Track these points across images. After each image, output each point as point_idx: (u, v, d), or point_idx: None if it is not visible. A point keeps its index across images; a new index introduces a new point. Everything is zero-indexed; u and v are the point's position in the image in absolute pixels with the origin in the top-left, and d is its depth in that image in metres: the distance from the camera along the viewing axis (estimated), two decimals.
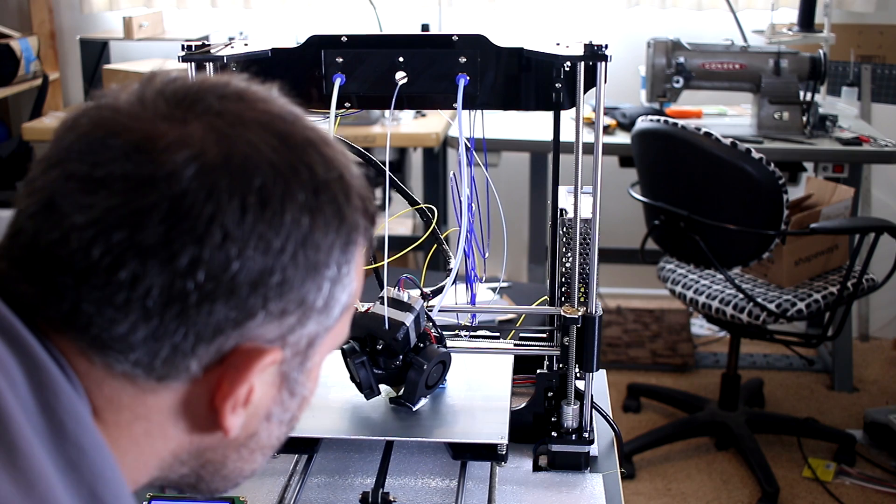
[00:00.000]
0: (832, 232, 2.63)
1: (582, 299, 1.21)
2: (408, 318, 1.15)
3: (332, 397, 1.23)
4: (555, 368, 1.25)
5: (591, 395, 1.22)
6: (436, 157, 3.42)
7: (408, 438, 1.17)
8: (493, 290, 1.74)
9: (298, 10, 3.73)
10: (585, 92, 1.14)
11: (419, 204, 1.30)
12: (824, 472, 2.78)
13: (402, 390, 1.19)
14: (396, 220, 3.39)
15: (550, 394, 1.24)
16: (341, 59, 1.19)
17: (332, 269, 0.62)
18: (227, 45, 1.19)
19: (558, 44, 1.17)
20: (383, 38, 1.24)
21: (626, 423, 3.05)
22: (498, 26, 3.67)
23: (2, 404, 0.55)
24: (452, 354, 1.31)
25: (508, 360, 1.32)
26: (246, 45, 1.20)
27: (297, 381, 0.66)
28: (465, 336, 1.33)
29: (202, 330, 0.58)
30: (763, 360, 3.46)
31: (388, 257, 1.23)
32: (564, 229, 1.22)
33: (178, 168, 0.57)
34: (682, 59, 3.01)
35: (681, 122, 2.55)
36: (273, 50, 1.20)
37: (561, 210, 1.23)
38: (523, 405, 1.25)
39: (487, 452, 1.14)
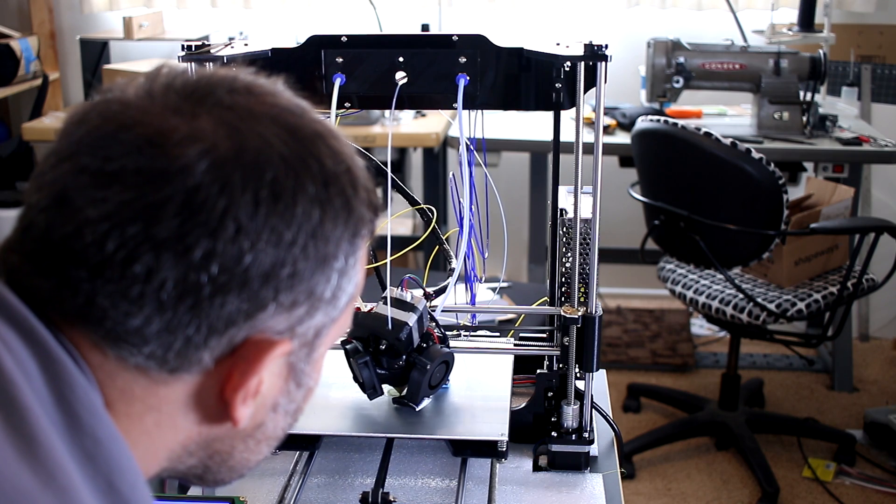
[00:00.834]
0: (832, 232, 2.63)
1: (582, 299, 1.21)
2: (411, 319, 1.15)
3: (334, 396, 1.23)
4: (555, 368, 1.25)
5: (591, 395, 1.22)
6: (436, 157, 3.42)
7: (408, 436, 1.17)
8: (493, 290, 1.74)
9: (298, 10, 3.73)
10: (585, 92, 1.14)
11: (419, 204, 1.30)
12: (824, 472, 2.78)
13: (405, 390, 1.19)
14: (396, 220, 3.39)
15: (550, 394, 1.24)
16: (341, 59, 1.19)
17: (341, 261, 0.62)
18: (227, 45, 1.19)
19: (558, 44, 1.17)
20: (383, 38, 1.24)
21: (626, 423, 3.05)
22: (498, 26, 3.67)
23: (19, 397, 0.55)
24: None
25: (508, 360, 1.32)
26: (246, 45, 1.20)
27: (303, 372, 0.67)
28: (465, 336, 1.33)
29: (215, 322, 0.59)
30: (763, 360, 3.46)
31: (393, 256, 1.23)
32: (564, 229, 1.22)
33: (190, 162, 0.57)
34: (682, 59, 3.01)
35: (681, 122, 2.55)
36: (273, 50, 1.20)
37: (561, 210, 1.23)
38: (523, 405, 1.25)
39: (488, 449, 1.14)
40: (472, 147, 1.23)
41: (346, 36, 1.19)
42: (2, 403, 0.55)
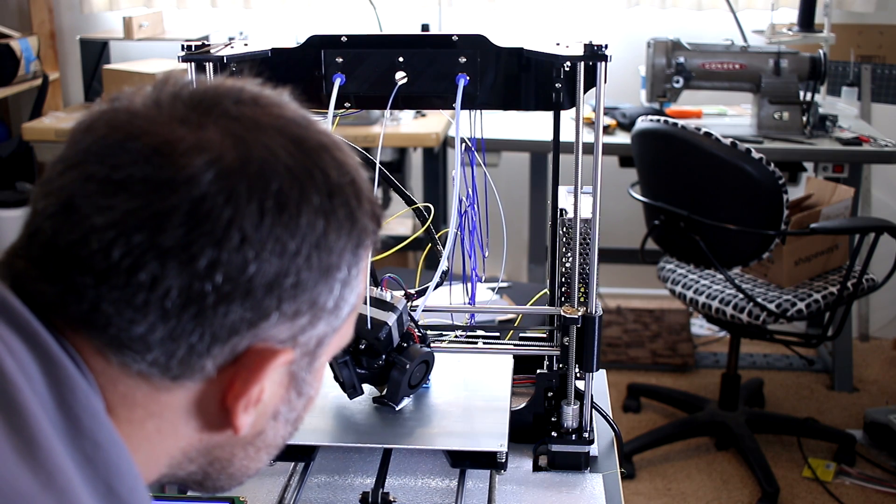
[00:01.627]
0: (832, 232, 2.63)
1: (582, 299, 1.21)
2: (390, 318, 1.15)
3: (332, 399, 1.23)
4: (555, 368, 1.25)
5: (591, 395, 1.22)
6: (436, 157, 3.42)
7: (405, 446, 1.16)
8: (493, 290, 1.74)
9: (298, 10, 3.72)
10: (585, 92, 1.14)
11: (415, 203, 1.30)
12: (824, 472, 2.78)
13: (385, 390, 1.18)
14: (396, 220, 3.39)
15: (550, 394, 1.24)
16: (341, 59, 1.19)
17: (343, 271, 0.63)
18: (227, 45, 1.19)
19: (558, 44, 1.17)
20: (383, 38, 1.24)
21: (626, 423, 3.05)
22: (498, 26, 3.67)
23: (20, 400, 0.55)
24: (452, 355, 1.31)
25: (508, 361, 1.32)
26: (246, 45, 1.20)
27: (304, 381, 0.67)
28: (462, 336, 1.33)
29: (218, 330, 0.59)
30: (763, 360, 3.46)
31: (378, 256, 1.23)
32: (564, 229, 1.22)
33: (197, 172, 0.58)
34: (682, 59, 3.01)
35: (681, 122, 2.55)
36: (273, 50, 1.20)
37: (561, 210, 1.23)
38: (523, 405, 1.25)
39: (486, 460, 1.13)
40: (472, 147, 1.23)
41: (346, 36, 1.19)
42: (3, 406, 0.55)
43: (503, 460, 1.12)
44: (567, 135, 1.19)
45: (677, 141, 2.52)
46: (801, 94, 3.02)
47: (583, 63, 1.12)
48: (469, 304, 1.30)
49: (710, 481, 2.77)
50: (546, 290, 1.31)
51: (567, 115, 1.19)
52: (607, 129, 3.08)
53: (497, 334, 1.36)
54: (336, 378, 1.19)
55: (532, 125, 3.06)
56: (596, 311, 1.18)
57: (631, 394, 3.16)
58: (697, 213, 2.54)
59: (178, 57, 1.14)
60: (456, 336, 1.33)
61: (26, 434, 0.54)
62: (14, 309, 0.59)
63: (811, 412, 3.11)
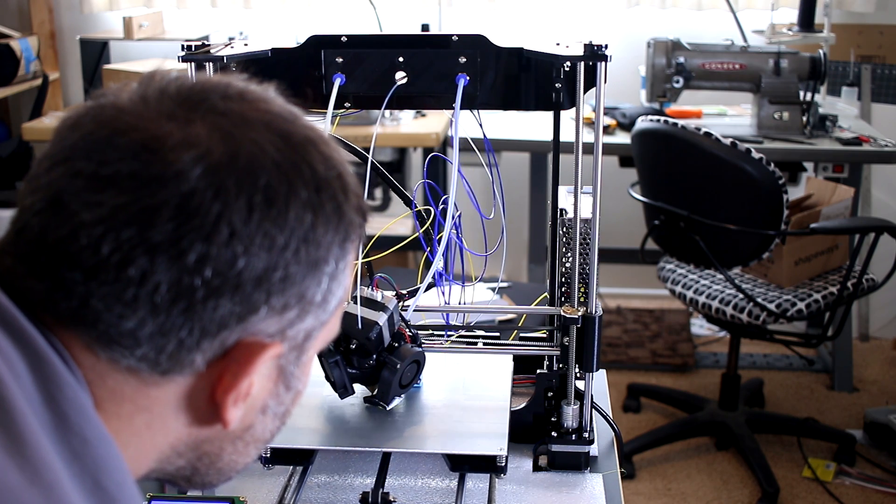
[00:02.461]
0: (832, 232, 2.63)
1: (582, 299, 1.21)
2: (381, 318, 1.15)
3: (322, 395, 1.22)
4: (555, 368, 1.24)
5: (591, 395, 1.22)
6: (436, 158, 3.41)
7: (405, 450, 1.16)
8: (493, 290, 1.74)
9: (298, 10, 3.72)
10: (585, 92, 1.14)
11: (409, 199, 1.30)
12: (824, 472, 2.78)
13: (376, 389, 1.18)
14: (396, 221, 3.38)
15: (550, 394, 1.24)
16: (341, 59, 1.19)
17: (331, 265, 0.63)
18: (227, 45, 1.19)
19: (558, 44, 1.17)
20: (383, 38, 1.24)
21: (626, 423, 3.05)
22: (498, 26, 3.67)
23: (8, 396, 0.55)
24: (452, 355, 1.31)
25: (508, 361, 1.31)
26: (246, 45, 1.20)
27: (293, 375, 0.68)
28: (463, 336, 1.33)
29: (207, 325, 0.59)
30: (763, 360, 3.46)
31: (373, 256, 1.23)
32: (564, 229, 1.22)
33: (185, 167, 0.58)
34: (682, 59, 3.01)
35: (681, 122, 2.55)
36: (273, 50, 1.20)
37: (561, 210, 1.23)
38: (523, 405, 1.25)
39: (486, 464, 1.13)
40: (473, 147, 1.23)
41: (346, 36, 1.18)
42: None
43: (503, 464, 1.12)
44: (567, 135, 1.19)
45: (677, 141, 2.52)
46: (801, 94, 3.02)
47: (583, 63, 1.12)
48: (446, 304, 1.29)
49: (710, 481, 2.77)
50: (546, 293, 1.31)
51: (567, 115, 1.19)
52: (607, 129, 3.08)
53: (497, 334, 1.36)
54: (327, 378, 1.19)
55: (532, 125, 3.06)
56: (596, 311, 1.18)
57: (631, 394, 3.16)
58: (697, 213, 2.54)
59: (178, 57, 1.14)
60: (458, 336, 1.33)
61: (13, 430, 0.54)
62: (1, 306, 0.59)
63: (811, 412, 3.11)
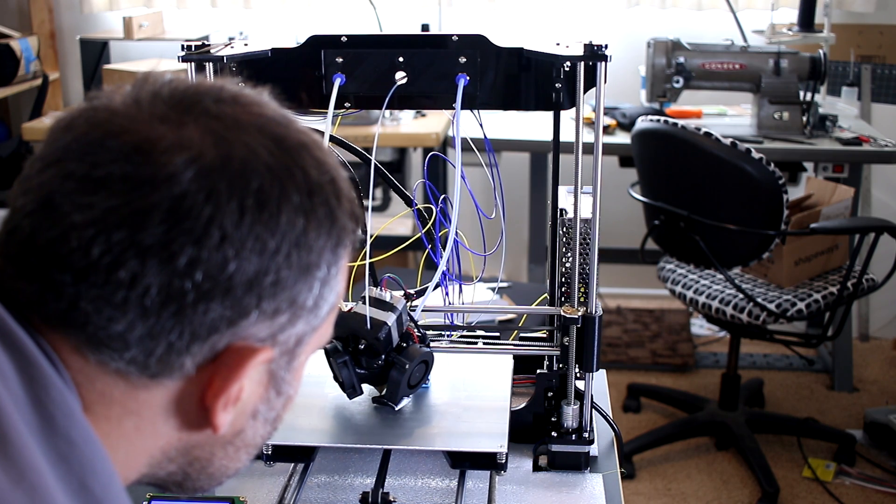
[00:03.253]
0: (832, 232, 2.63)
1: (582, 299, 1.21)
2: (390, 318, 1.15)
3: (331, 400, 1.23)
4: (555, 368, 1.24)
5: (591, 395, 1.22)
6: (436, 157, 3.41)
7: (404, 447, 1.16)
8: (493, 290, 1.74)
9: (298, 10, 3.72)
10: (585, 92, 1.14)
11: (409, 198, 1.30)
12: (824, 472, 2.78)
13: (384, 390, 1.18)
14: (396, 220, 3.39)
15: (550, 394, 1.24)
16: (341, 59, 1.19)
17: (323, 270, 0.63)
18: (227, 45, 1.19)
19: (558, 44, 1.17)
20: (383, 38, 1.24)
21: (626, 423, 3.05)
22: (498, 26, 3.67)
23: None
24: (452, 355, 1.31)
25: (508, 362, 1.31)
26: (246, 45, 1.20)
27: (283, 380, 0.68)
28: (460, 336, 1.33)
29: (197, 329, 0.59)
30: (763, 360, 3.46)
31: (378, 256, 1.23)
32: (564, 229, 1.22)
33: (177, 170, 0.58)
34: (682, 59, 3.01)
35: (681, 122, 2.55)
36: (273, 50, 1.20)
37: (561, 210, 1.23)
38: (523, 405, 1.25)
39: (486, 461, 1.13)
40: (473, 147, 1.23)
41: (346, 36, 1.18)
42: None
43: (503, 461, 1.12)
44: (567, 135, 1.19)
45: (677, 141, 2.52)
46: (801, 94, 3.02)
47: (583, 63, 1.12)
48: (448, 304, 1.30)
49: (710, 481, 2.77)
50: (546, 294, 1.31)
51: (567, 115, 1.19)
52: (607, 129, 3.08)
53: (497, 334, 1.36)
54: (335, 378, 1.19)
55: (532, 125, 3.06)
56: (596, 311, 1.18)
57: (631, 394, 3.16)
58: (697, 213, 2.54)
59: (178, 57, 1.14)
60: (459, 336, 1.33)
61: None
62: None
63: (811, 412, 3.11)
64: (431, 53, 1.18)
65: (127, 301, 0.57)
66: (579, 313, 1.18)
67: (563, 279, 1.24)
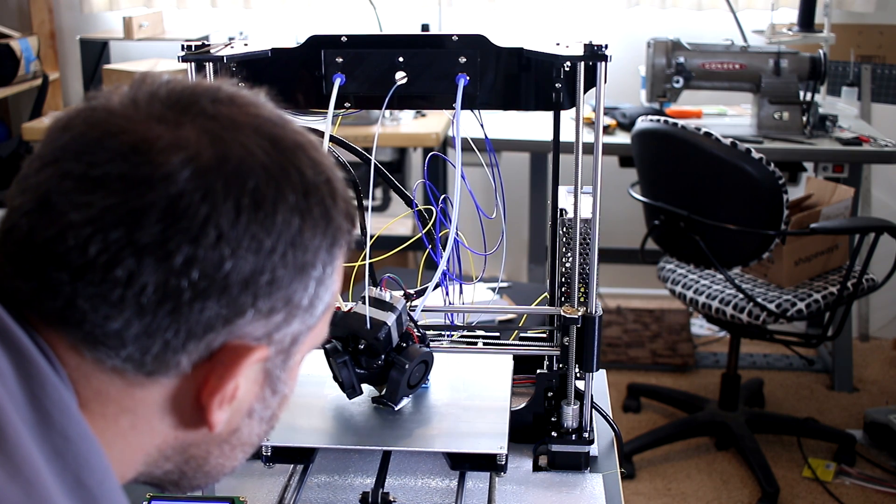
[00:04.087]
0: (832, 232, 2.63)
1: (582, 299, 1.21)
2: (389, 318, 1.15)
3: (324, 395, 1.22)
4: (555, 368, 1.24)
5: (591, 395, 1.22)
6: (436, 157, 3.41)
7: (404, 448, 1.16)
8: (493, 290, 1.74)
9: (298, 10, 3.72)
10: (585, 92, 1.14)
11: (410, 198, 1.30)
12: (824, 472, 2.78)
13: (384, 390, 1.18)
14: (396, 221, 3.39)
15: (550, 394, 1.24)
16: (341, 59, 1.19)
17: (318, 269, 0.63)
18: (227, 45, 1.19)
19: (558, 44, 1.17)
20: (383, 38, 1.24)
21: (626, 423, 3.05)
22: (498, 26, 3.67)
23: None
24: (452, 355, 1.31)
25: (508, 361, 1.31)
26: (246, 45, 1.20)
27: (279, 379, 0.68)
28: (460, 336, 1.33)
29: (193, 327, 0.59)
30: (763, 360, 3.46)
31: (378, 256, 1.23)
32: (564, 229, 1.22)
33: (174, 170, 0.58)
34: (682, 59, 3.01)
35: (681, 122, 2.55)
36: (273, 50, 1.20)
37: (561, 210, 1.23)
38: (523, 405, 1.25)
39: (486, 463, 1.13)
40: (473, 147, 1.23)
41: (346, 36, 1.18)
42: None
43: (503, 462, 1.12)
44: (567, 135, 1.19)
45: (677, 141, 2.52)
46: (801, 94, 3.02)
47: (583, 63, 1.12)
48: (448, 304, 1.30)
49: (710, 481, 2.77)
50: (546, 293, 1.31)
51: (567, 115, 1.19)
52: (607, 129, 3.08)
53: (497, 334, 1.36)
54: (335, 378, 1.19)
55: (532, 125, 3.06)
56: (596, 311, 1.18)
57: (631, 394, 3.16)
58: (697, 213, 2.54)
59: (178, 57, 1.14)
60: (459, 336, 1.33)
61: None
62: None
63: (811, 412, 3.11)
64: (431, 53, 1.18)
65: (123, 299, 0.57)
66: (579, 313, 1.18)
67: (563, 279, 1.24)
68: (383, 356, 1.17)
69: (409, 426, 1.18)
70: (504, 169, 3.55)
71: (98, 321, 0.58)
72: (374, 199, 3.57)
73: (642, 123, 2.65)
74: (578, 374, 1.21)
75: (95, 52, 3.59)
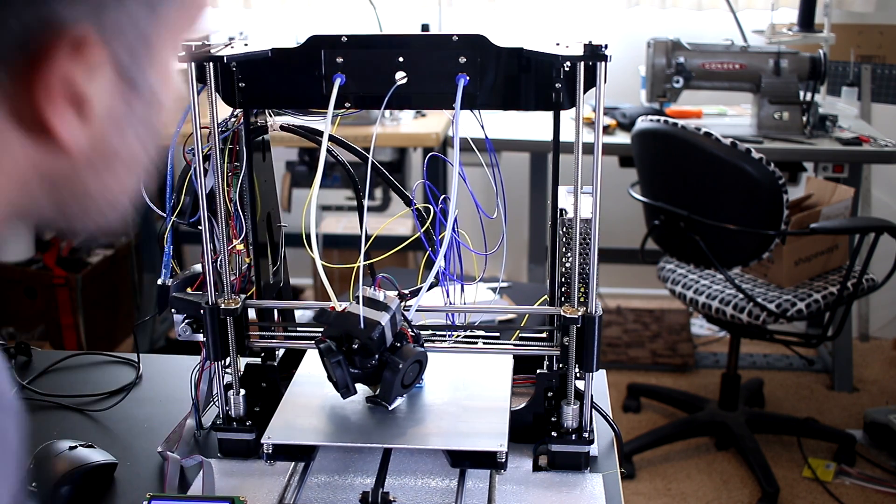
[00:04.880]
0: (832, 232, 2.63)
1: (582, 299, 1.21)
2: (383, 318, 1.15)
3: (324, 394, 1.23)
4: (555, 368, 1.24)
5: (591, 395, 1.22)
6: (436, 157, 3.41)
7: (405, 446, 1.16)
8: (493, 290, 1.74)
9: (298, 10, 3.73)
10: (585, 92, 1.14)
11: (409, 198, 1.30)
12: (824, 472, 2.78)
13: (378, 389, 1.18)
14: (396, 220, 3.39)
15: (550, 394, 1.24)
16: (341, 59, 1.19)
17: None
18: (227, 45, 1.19)
19: (558, 44, 1.17)
20: (383, 38, 1.24)
21: (626, 423, 3.05)
22: (498, 26, 3.67)
23: None
24: (452, 355, 1.31)
25: (508, 362, 1.32)
26: (246, 45, 1.20)
27: (141, 82, 0.59)
28: (461, 336, 1.33)
29: None
30: (763, 360, 3.46)
31: (378, 256, 1.23)
32: (564, 229, 1.22)
33: None
34: (682, 59, 3.01)
35: (681, 122, 2.55)
36: (273, 50, 1.20)
37: (561, 210, 1.23)
38: (523, 405, 1.25)
39: (486, 460, 1.13)
40: (473, 147, 1.23)
41: (346, 36, 1.18)
42: None
43: (503, 460, 1.12)
44: (567, 135, 1.18)
45: (677, 141, 2.52)
46: (801, 94, 3.02)
47: (583, 63, 1.12)
48: (448, 304, 1.30)
49: (710, 481, 2.77)
50: (546, 296, 1.31)
51: (567, 115, 1.19)
52: (607, 129, 3.08)
53: (497, 334, 1.36)
54: (329, 378, 1.19)
55: (532, 125, 3.06)
56: (596, 311, 1.18)
57: (631, 394, 3.16)
58: (697, 213, 2.54)
59: (178, 56, 1.14)
60: (458, 336, 1.33)
61: None
62: None
63: (811, 412, 3.11)
64: (431, 53, 1.18)
65: None
66: (579, 313, 1.18)
67: (563, 279, 1.24)
68: (377, 356, 1.17)
69: (410, 425, 1.18)
70: (504, 169, 3.55)
71: None
72: (374, 199, 3.57)
73: (642, 123, 2.65)
74: (578, 374, 1.21)
75: None
